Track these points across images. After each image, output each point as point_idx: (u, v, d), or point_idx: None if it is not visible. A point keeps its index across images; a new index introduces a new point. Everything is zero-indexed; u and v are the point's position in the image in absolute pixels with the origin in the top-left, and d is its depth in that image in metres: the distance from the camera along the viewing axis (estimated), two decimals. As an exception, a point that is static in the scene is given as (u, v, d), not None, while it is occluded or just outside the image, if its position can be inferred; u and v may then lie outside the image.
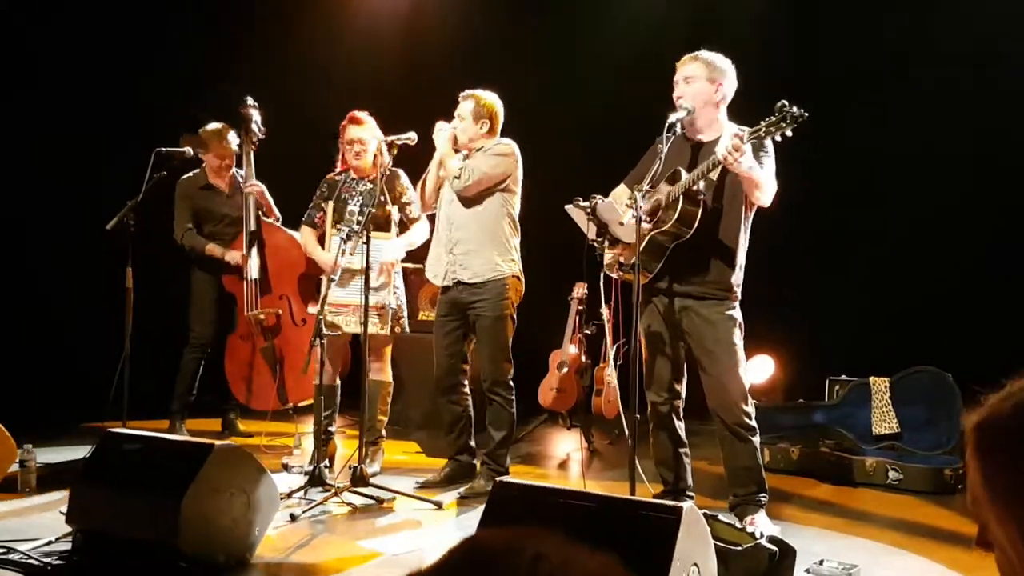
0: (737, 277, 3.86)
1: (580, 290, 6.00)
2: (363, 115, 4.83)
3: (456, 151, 4.61)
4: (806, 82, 5.90)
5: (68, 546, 3.33)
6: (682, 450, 4.04)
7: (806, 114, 3.43)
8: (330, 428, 4.86)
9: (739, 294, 3.89)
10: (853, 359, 5.73)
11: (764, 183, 3.68)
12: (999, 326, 5.79)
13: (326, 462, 4.51)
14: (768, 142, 3.69)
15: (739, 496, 3.91)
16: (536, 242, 6.62)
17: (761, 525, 3.71)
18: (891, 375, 5.44)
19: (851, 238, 6.18)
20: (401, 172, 4.83)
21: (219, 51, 6.82)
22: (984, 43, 5.84)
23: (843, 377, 5.60)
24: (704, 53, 3.89)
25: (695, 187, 3.72)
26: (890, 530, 4.04)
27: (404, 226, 4.83)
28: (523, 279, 4.68)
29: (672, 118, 3.81)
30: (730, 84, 3.88)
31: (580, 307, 6.03)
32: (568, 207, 4.51)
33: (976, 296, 5.93)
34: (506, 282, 4.56)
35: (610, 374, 6.02)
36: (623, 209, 3.85)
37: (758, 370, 6.04)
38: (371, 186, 4.71)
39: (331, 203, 4.83)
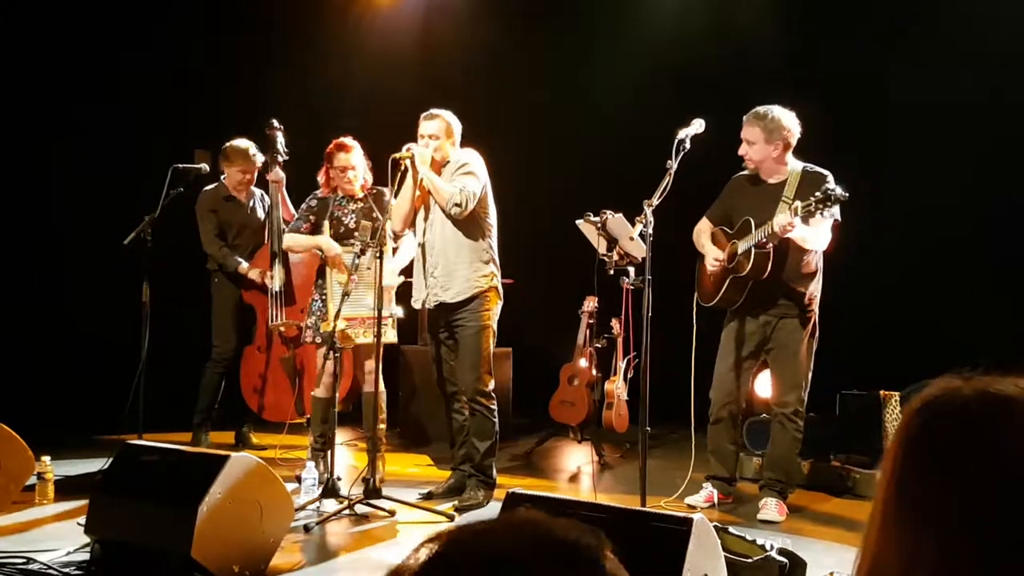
0: (810, 292, 4.37)
1: (590, 304, 6.03)
2: (350, 141, 4.91)
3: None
4: (811, 88, 5.92)
5: (86, 556, 3.38)
6: (732, 446, 4.61)
7: (846, 195, 3.90)
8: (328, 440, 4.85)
9: (815, 303, 4.41)
10: (864, 373, 5.73)
11: (814, 242, 4.24)
12: (1010, 338, 5.78)
13: (338, 475, 4.53)
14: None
15: (766, 478, 4.47)
16: (547, 256, 6.68)
17: (770, 511, 4.30)
18: (901, 389, 5.43)
19: (861, 250, 6.17)
20: (385, 190, 4.82)
21: (236, 69, 6.91)
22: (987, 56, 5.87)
23: (854, 391, 5.60)
24: (761, 114, 4.26)
25: (761, 240, 4.22)
26: (900, 543, 4.04)
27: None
28: (501, 289, 4.66)
29: (681, 134, 3.88)
30: (791, 135, 4.28)
31: (590, 321, 6.05)
32: (579, 222, 4.56)
33: (986, 308, 5.92)
34: (486, 295, 4.57)
35: (620, 387, 6.04)
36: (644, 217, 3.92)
37: (768, 384, 6.02)
38: (362, 204, 4.84)
39: (327, 222, 4.88)
